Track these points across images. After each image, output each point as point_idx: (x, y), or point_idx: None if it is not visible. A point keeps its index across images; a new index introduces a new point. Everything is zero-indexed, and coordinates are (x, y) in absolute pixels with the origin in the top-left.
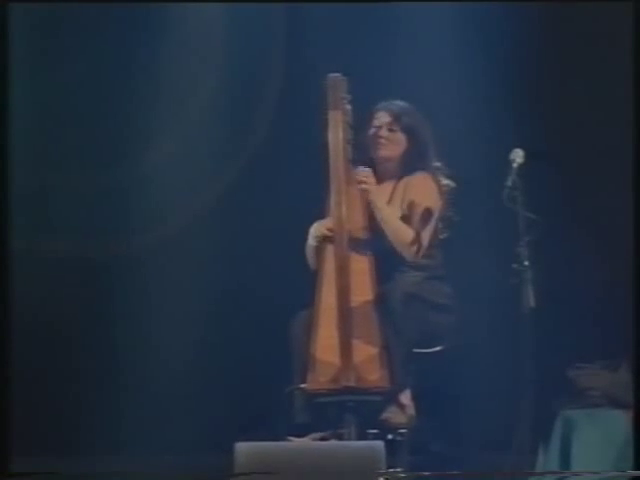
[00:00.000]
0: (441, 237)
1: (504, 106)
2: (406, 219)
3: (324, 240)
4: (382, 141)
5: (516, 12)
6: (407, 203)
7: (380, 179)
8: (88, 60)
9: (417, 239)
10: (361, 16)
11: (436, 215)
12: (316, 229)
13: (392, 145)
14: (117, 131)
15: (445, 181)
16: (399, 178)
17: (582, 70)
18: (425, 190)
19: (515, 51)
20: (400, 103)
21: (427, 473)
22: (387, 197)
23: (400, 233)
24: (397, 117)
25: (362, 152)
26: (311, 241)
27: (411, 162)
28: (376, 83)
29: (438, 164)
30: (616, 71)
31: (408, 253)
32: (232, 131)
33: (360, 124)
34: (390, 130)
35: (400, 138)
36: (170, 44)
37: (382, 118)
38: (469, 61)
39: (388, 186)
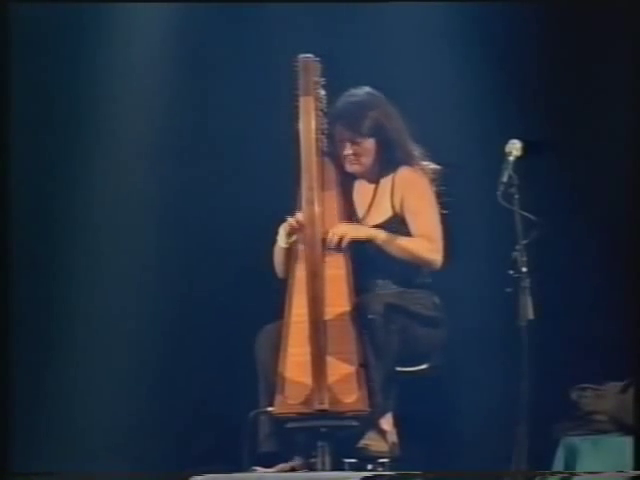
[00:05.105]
0: None
1: (498, 94)
2: (401, 220)
3: (295, 236)
4: (350, 158)
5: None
6: (399, 202)
7: (359, 180)
8: (88, 60)
9: (433, 246)
10: None
11: (436, 207)
12: (284, 227)
13: (362, 158)
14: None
15: (431, 166)
16: (380, 178)
17: (582, 59)
18: (416, 186)
19: (511, 38)
20: (356, 98)
21: (421, 472)
22: (369, 199)
23: (416, 250)
24: (356, 126)
25: (336, 147)
26: (280, 242)
27: (390, 160)
28: (354, 66)
29: (420, 152)
30: (617, 63)
31: (432, 265)
32: (192, 121)
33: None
34: (354, 144)
35: (368, 146)
36: (138, 35)
37: (340, 132)
38: (458, 45)
39: (369, 187)
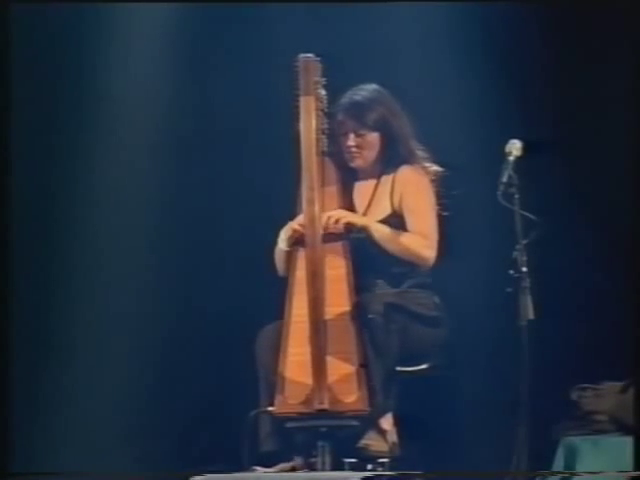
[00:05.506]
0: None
1: (498, 94)
2: (399, 218)
3: (296, 241)
4: (353, 150)
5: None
6: (398, 200)
7: (359, 178)
8: (88, 60)
9: (427, 242)
10: None
11: (434, 206)
12: (286, 231)
13: (365, 151)
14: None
15: (433, 167)
16: (380, 175)
17: (582, 59)
18: (416, 184)
19: (512, 38)
20: (363, 92)
21: (421, 472)
22: (369, 197)
23: (409, 244)
24: (362, 118)
25: (338, 144)
26: (281, 245)
27: (392, 158)
28: (354, 65)
29: (422, 152)
30: (617, 63)
31: (425, 262)
32: (191, 121)
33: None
34: (358, 136)
35: (371, 140)
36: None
37: (345, 124)
38: (457, 45)
39: (369, 186)
